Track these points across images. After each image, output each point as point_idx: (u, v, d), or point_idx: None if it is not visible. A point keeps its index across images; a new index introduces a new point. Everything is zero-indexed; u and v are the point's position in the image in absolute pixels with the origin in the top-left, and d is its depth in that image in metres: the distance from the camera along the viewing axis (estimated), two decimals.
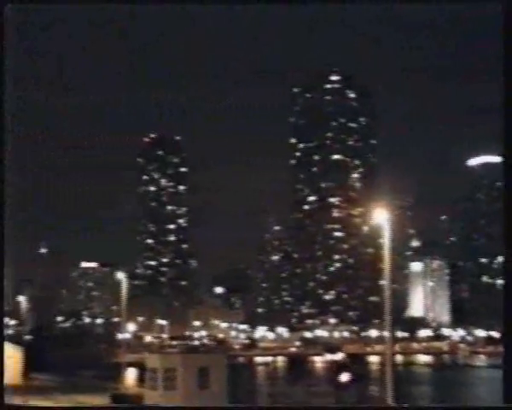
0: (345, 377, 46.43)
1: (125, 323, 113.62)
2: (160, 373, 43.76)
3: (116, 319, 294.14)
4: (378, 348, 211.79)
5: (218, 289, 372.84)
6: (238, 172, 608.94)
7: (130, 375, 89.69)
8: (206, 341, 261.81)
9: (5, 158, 15.16)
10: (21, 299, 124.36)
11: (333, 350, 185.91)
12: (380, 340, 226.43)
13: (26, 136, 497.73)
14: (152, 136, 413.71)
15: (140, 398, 45.20)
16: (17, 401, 53.03)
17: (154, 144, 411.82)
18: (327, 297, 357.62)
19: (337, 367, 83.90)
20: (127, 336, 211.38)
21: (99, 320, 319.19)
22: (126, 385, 63.07)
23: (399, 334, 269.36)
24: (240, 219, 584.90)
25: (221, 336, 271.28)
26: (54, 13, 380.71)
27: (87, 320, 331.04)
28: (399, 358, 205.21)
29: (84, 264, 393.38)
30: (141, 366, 76.44)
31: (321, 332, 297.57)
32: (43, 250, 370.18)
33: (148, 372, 45.38)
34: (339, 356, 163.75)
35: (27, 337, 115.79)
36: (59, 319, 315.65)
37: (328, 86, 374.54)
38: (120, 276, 76.59)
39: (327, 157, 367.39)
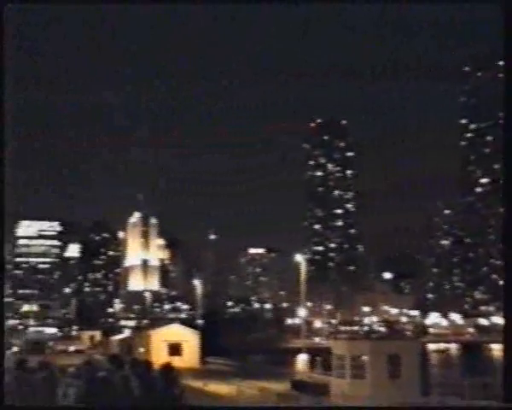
0: None
1: (303, 307, 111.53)
2: (347, 361, 40.57)
3: (285, 305, 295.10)
4: None
5: (387, 275, 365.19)
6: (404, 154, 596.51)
7: (302, 360, 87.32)
8: (376, 326, 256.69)
9: (5, 158, 13.80)
10: (196, 283, 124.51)
11: None
12: None
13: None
14: (318, 121, 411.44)
15: (325, 386, 41.98)
16: (196, 384, 51.64)
17: (321, 129, 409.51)
18: (502, 283, 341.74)
19: None
20: (297, 321, 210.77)
21: (267, 306, 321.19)
22: (304, 371, 60.07)
23: None
24: (404, 203, 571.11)
25: (393, 321, 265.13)
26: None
27: (256, 305, 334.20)
28: None
29: (252, 250, 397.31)
30: (312, 352, 73.66)
31: (497, 319, 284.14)
32: (212, 236, 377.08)
33: (335, 360, 42.20)
34: None
35: (199, 322, 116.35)
36: (229, 304, 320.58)
37: (502, 63, 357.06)
38: (299, 258, 73.71)
39: (500, 137, 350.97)
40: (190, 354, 74.47)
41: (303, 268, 69.92)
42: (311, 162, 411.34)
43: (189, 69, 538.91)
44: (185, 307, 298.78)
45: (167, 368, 19.01)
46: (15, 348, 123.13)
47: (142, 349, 79.24)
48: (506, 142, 14.91)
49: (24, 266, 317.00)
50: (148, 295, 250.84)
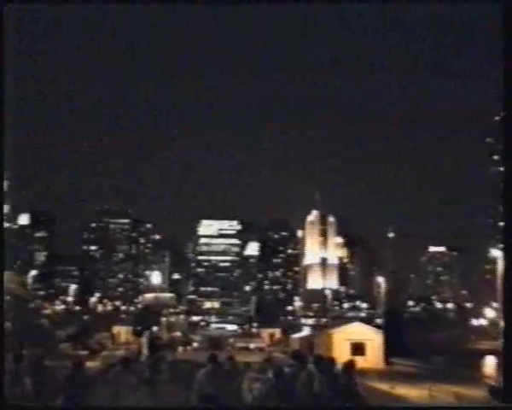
0: None
1: (490, 307, 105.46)
2: None
3: (468, 304, 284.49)
4: None
5: None
6: None
7: (490, 364, 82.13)
8: None
9: (5, 158, 13.11)
10: (380, 281, 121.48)
11: None
12: None
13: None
14: (503, 114, 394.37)
15: None
16: (382, 386, 48.66)
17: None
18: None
19: None
20: (483, 321, 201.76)
21: (449, 305, 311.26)
22: (496, 376, 55.26)
23: None
24: None
25: None
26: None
27: (437, 305, 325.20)
28: None
29: (433, 248, 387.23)
30: (499, 355, 68.52)
31: None
32: (391, 234, 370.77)
33: None
34: None
35: (379, 321, 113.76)
36: (409, 303, 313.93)
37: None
38: (496, 254, 68.65)
39: None
40: (374, 354, 71.58)
41: (500, 264, 64.69)
42: (495, 157, 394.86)
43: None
44: (364, 305, 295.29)
45: (350, 366, 17.02)
46: (195, 344, 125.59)
47: (323, 348, 77.22)
48: (506, 142, 14.48)
49: (205, 264, 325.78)
50: (327, 293, 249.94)
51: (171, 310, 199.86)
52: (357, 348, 70.92)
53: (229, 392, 19.26)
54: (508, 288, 15.14)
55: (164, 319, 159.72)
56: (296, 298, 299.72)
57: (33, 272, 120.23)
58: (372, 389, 39.17)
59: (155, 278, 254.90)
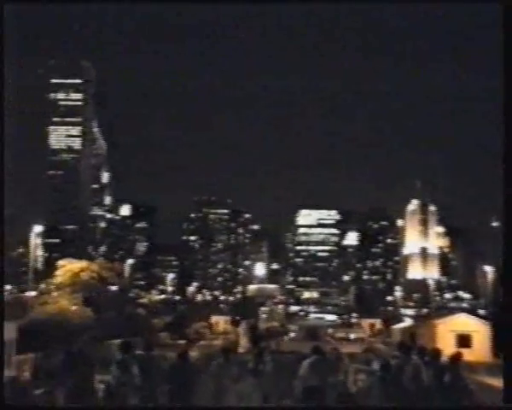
0: None
1: None
2: None
3: None
4: None
5: None
6: None
7: None
8: None
9: (4, 158, 13.11)
10: (486, 270, 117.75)
11: None
12: None
13: None
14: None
15: None
16: (492, 381, 46.92)
17: None
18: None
19: None
20: None
21: None
22: None
23: None
24: None
25: None
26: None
27: None
28: None
29: None
30: None
31: None
32: (494, 224, 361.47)
33: None
34: None
35: (481, 311, 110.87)
36: None
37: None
38: None
39: None
40: (481, 347, 69.21)
41: None
42: None
43: None
44: (467, 296, 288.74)
45: (456, 358, 16.31)
46: (292, 334, 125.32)
47: (426, 339, 75.47)
48: (506, 142, 14.13)
49: (304, 254, 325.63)
50: (429, 283, 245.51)
51: (272, 300, 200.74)
52: (463, 340, 68.78)
53: (333, 384, 19.00)
54: (506, 286, 14.70)
55: (264, 309, 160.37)
56: (396, 288, 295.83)
57: (130, 261, 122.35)
58: (480, 384, 37.77)
59: (258, 268, 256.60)
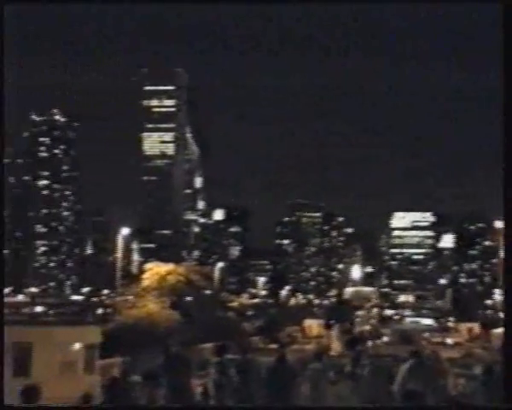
0: None
1: None
2: None
3: None
4: None
5: None
6: None
7: None
8: None
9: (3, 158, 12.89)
10: None
11: None
12: None
13: None
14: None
15: None
16: None
17: None
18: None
19: None
20: None
21: None
22: None
23: None
24: None
25: None
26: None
27: None
28: None
29: None
30: None
31: None
32: None
33: None
34: None
35: None
36: None
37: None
38: None
39: None
40: None
41: None
42: None
43: None
44: None
45: None
46: (385, 338, 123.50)
47: None
48: (506, 142, 12.96)
49: (398, 257, 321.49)
50: None
51: (368, 304, 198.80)
52: None
53: (433, 388, 18.62)
54: (508, 288, 13.93)
55: (360, 313, 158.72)
56: (495, 291, 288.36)
57: (220, 264, 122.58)
58: None
59: (355, 271, 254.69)
